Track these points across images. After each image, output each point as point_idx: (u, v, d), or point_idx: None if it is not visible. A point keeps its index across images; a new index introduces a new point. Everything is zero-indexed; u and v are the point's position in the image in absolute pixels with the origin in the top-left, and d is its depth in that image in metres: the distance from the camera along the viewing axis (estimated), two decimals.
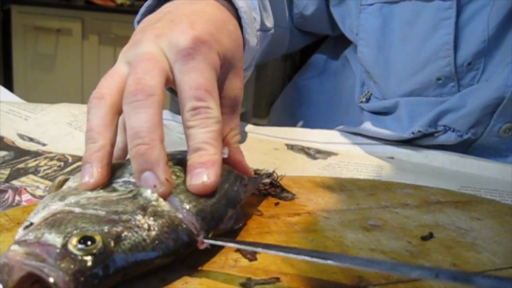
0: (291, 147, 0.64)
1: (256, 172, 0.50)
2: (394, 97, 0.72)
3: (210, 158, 0.39)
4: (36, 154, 0.57)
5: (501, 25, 0.64)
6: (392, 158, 0.62)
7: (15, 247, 0.32)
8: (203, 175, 0.39)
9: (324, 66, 0.89)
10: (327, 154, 0.63)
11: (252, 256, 0.38)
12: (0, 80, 2.79)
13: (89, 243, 0.32)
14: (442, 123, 0.67)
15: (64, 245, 0.32)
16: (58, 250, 0.31)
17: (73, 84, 2.83)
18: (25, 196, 0.48)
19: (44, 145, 0.59)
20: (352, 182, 0.53)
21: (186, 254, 0.37)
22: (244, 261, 0.38)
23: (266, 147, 0.64)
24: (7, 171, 0.52)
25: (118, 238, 0.33)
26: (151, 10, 0.56)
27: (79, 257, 0.31)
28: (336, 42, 0.87)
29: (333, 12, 0.78)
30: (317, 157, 0.62)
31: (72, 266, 0.31)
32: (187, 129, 0.41)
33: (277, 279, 0.36)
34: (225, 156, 0.42)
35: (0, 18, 2.81)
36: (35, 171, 0.53)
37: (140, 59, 0.42)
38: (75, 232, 0.32)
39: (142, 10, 0.57)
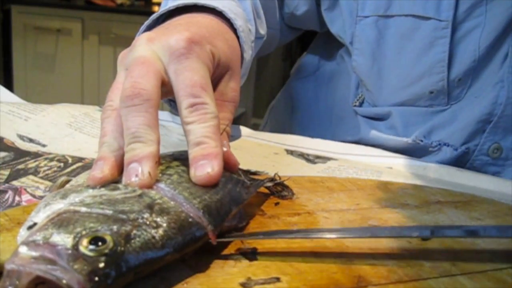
0: (290, 152, 0.64)
1: (256, 173, 0.50)
2: (385, 106, 0.74)
3: (213, 151, 0.40)
4: (36, 155, 0.57)
5: (490, 47, 0.67)
6: (391, 168, 0.62)
7: (23, 250, 0.31)
8: (207, 166, 0.40)
9: (317, 65, 0.89)
10: (326, 159, 0.63)
11: (252, 256, 0.38)
12: (0, 80, 2.79)
13: (99, 243, 0.32)
14: (436, 137, 0.70)
15: (75, 246, 0.32)
16: (69, 251, 0.31)
17: (73, 84, 2.83)
18: (25, 197, 0.48)
19: (44, 146, 0.59)
20: (352, 182, 0.53)
21: (194, 250, 0.37)
22: (244, 261, 0.38)
23: (266, 151, 0.64)
24: (7, 172, 0.52)
25: (127, 237, 0.33)
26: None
27: (92, 258, 0.31)
28: (327, 41, 0.88)
29: (324, 15, 0.79)
30: (316, 162, 0.62)
31: (85, 267, 0.31)
32: (186, 125, 0.42)
33: (277, 279, 0.36)
34: (225, 149, 0.43)
35: (0, 18, 2.81)
36: (35, 172, 0.53)
37: (135, 63, 0.43)
38: (84, 232, 0.32)
39: (141, 29, 0.58)
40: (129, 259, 0.33)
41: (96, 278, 0.31)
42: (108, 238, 0.32)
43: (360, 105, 0.78)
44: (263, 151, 0.64)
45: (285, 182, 0.49)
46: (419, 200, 0.50)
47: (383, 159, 0.65)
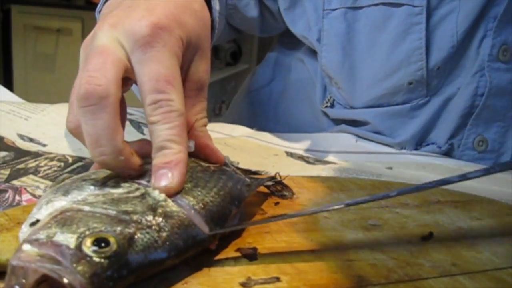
0: (290, 154, 0.64)
1: (257, 173, 0.50)
2: (360, 104, 0.72)
3: (174, 157, 0.38)
4: (36, 155, 0.57)
5: (467, 32, 0.65)
6: (391, 168, 0.62)
7: (27, 247, 0.31)
8: (167, 175, 0.38)
9: (272, 75, 0.86)
10: (326, 162, 0.63)
11: (252, 256, 0.38)
12: (0, 80, 2.79)
13: (103, 245, 0.32)
14: (428, 141, 0.69)
15: (78, 246, 0.31)
16: (72, 252, 0.31)
17: (73, 84, 2.82)
18: (25, 196, 0.48)
19: (44, 145, 0.59)
20: (352, 182, 0.53)
21: (194, 255, 0.37)
22: (244, 261, 0.38)
23: (266, 153, 0.64)
24: (7, 171, 0.52)
25: (131, 240, 0.33)
26: None
27: (95, 260, 0.31)
28: (281, 47, 0.85)
29: (284, 16, 0.76)
30: (316, 164, 0.62)
31: (88, 269, 0.31)
32: (149, 125, 0.39)
33: (277, 279, 0.36)
34: (191, 150, 0.42)
35: (0, 18, 2.81)
36: (35, 172, 0.53)
37: (92, 54, 0.39)
38: (88, 232, 0.32)
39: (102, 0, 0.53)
40: (132, 262, 0.33)
41: (98, 281, 0.31)
42: (112, 240, 0.32)
43: (331, 106, 0.75)
44: (263, 153, 0.64)
45: (285, 182, 0.49)
46: (419, 199, 0.50)
47: (383, 158, 0.65)
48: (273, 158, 0.63)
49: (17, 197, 0.48)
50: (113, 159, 0.38)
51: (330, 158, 0.64)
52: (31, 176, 0.52)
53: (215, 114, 2.40)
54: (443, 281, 0.37)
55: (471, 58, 0.66)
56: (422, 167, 0.63)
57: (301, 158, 0.64)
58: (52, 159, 0.56)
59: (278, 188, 0.48)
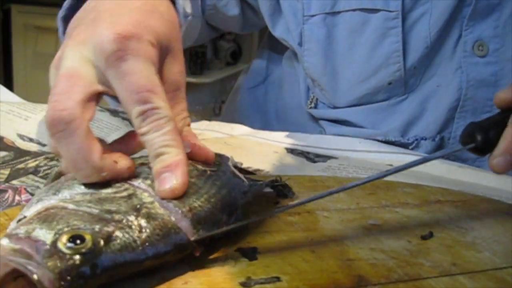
0: (290, 151, 0.64)
1: (257, 171, 0.50)
2: (342, 104, 0.74)
3: (173, 160, 0.38)
4: (36, 155, 0.57)
5: (440, 32, 0.69)
6: (391, 165, 0.62)
7: (4, 242, 0.32)
8: (171, 178, 0.38)
9: (266, 73, 0.88)
10: (326, 157, 0.63)
11: (252, 255, 0.38)
12: (0, 80, 2.79)
13: (78, 241, 0.32)
14: (412, 133, 0.72)
15: (54, 242, 0.31)
16: (46, 247, 0.31)
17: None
18: (25, 196, 0.48)
19: (44, 145, 0.59)
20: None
21: (179, 258, 0.36)
22: (244, 261, 0.38)
23: (266, 150, 0.64)
24: (7, 171, 0.52)
25: (108, 238, 0.33)
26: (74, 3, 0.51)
27: (67, 256, 0.31)
28: (273, 45, 0.86)
29: (265, 18, 0.77)
30: (316, 161, 0.62)
31: (58, 265, 0.31)
32: (141, 136, 0.39)
33: (277, 279, 0.36)
34: (188, 151, 0.41)
35: (0, 18, 2.81)
36: (35, 171, 0.53)
37: (60, 76, 0.39)
38: (65, 229, 0.32)
39: (65, 5, 0.53)
40: (106, 260, 0.32)
41: (68, 277, 0.31)
42: (88, 237, 0.32)
43: (315, 106, 0.77)
44: (263, 150, 0.64)
45: (285, 182, 0.48)
46: (419, 199, 0.50)
47: (384, 156, 0.65)
48: (273, 155, 0.63)
49: (17, 197, 0.48)
50: (96, 178, 0.37)
51: (331, 153, 0.64)
52: (31, 176, 0.52)
53: (215, 114, 2.40)
54: (443, 281, 0.37)
55: (447, 56, 0.70)
56: (423, 165, 0.63)
57: (301, 154, 0.64)
58: (52, 159, 0.56)
59: (278, 188, 0.48)
